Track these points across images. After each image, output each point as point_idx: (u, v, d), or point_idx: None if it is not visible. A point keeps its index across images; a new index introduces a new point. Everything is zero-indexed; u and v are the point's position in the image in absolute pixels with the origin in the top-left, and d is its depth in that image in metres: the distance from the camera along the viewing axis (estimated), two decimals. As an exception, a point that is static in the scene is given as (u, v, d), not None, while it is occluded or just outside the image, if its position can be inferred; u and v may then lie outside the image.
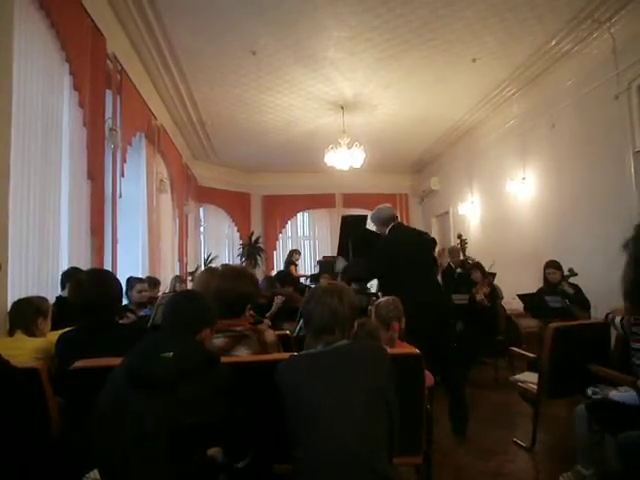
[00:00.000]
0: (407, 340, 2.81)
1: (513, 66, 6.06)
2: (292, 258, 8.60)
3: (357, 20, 4.93)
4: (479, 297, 5.21)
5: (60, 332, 2.25)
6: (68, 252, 3.72)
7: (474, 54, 5.68)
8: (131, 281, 4.33)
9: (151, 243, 5.97)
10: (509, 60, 5.88)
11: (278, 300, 3.92)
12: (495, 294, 5.45)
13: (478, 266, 5.59)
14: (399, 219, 3.86)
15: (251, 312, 2.84)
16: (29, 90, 3.21)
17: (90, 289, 2.19)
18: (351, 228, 7.55)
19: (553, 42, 5.43)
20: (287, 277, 4.91)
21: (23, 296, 2.70)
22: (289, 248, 10.82)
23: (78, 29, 3.84)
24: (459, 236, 6.39)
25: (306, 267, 10.89)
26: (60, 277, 3.44)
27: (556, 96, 6.02)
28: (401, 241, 3.74)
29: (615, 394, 2.56)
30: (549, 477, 2.89)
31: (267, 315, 3.92)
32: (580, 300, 4.44)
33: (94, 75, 4.11)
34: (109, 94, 4.60)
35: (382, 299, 2.95)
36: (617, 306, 3.78)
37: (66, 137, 3.77)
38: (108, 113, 4.53)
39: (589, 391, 2.70)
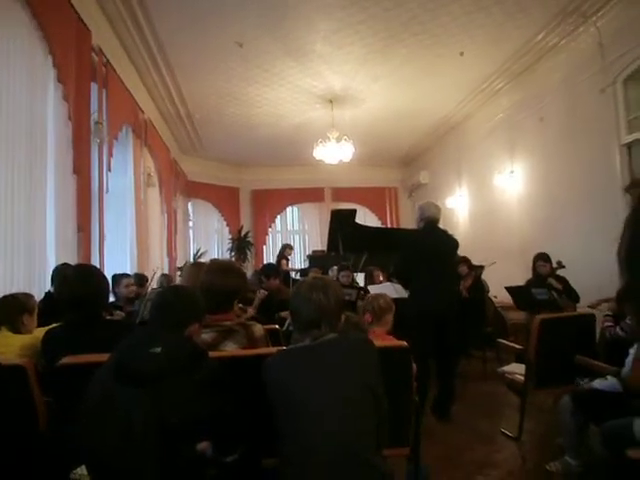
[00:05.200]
0: (405, 330, 2.88)
1: (501, 59, 6.08)
2: (284, 252, 8.58)
3: (344, 13, 4.91)
4: (460, 288, 5.23)
5: (47, 328, 2.23)
6: (55, 248, 3.69)
7: (462, 48, 5.68)
8: (116, 277, 4.29)
9: (139, 238, 5.92)
10: (497, 53, 5.91)
11: (260, 294, 3.91)
12: (480, 286, 5.49)
13: (465, 260, 5.62)
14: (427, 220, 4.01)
15: (240, 305, 2.84)
16: (11, 83, 3.16)
17: (76, 284, 2.18)
18: (341, 222, 7.58)
19: (540, 36, 5.46)
20: (273, 270, 4.88)
21: (9, 292, 2.66)
22: (279, 242, 10.81)
23: (62, 21, 3.78)
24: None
25: (296, 261, 10.88)
26: (51, 273, 3.40)
27: (544, 89, 6.06)
28: (427, 242, 3.90)
29: (598, 382, 2.61)
30: (536, 467, 2.93)
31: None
32: (569, 292, 4.50)
33: (79, 68, 4.05)
34: (95, 88, 4.53)
35: (370, 294, 3.00)
36: (601, 302, 3.88)
37: (51, 131, 3.72)
38: (94, 107, 4.47)
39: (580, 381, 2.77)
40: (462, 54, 5.80)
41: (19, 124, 3.23)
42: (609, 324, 3.09)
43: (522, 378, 3.24)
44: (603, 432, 2.29)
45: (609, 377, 2.61)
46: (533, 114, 6.27)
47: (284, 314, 3.79)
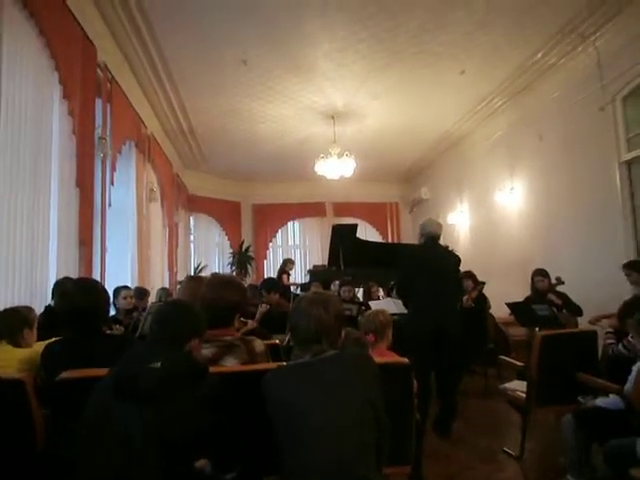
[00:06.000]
0: (407, 346, 2.86)
1: (500, 78, 6.15)
2: (285, 267, 8.59)
3: (347, 32, 4.99)
4: (465, 299, 5.20)
5: (46, 342, 2.22)
6: (56, 262, 3.69)
7: (461, 66, 5.76)
8: (116, 290, 4.32)
9: (141, 252, 5.93)
10: (496, 72, 5.98)
11: (262, 308, 3.90)
12: (483, 302, 5.47)
13: (470, 275, 5.61)
14: (427, 235, 4.00)
15: (241, 319, 2.83)
16: (18, 98, 3.19)
17: (76, 298, 2.17)
18: (342, 237, 7.59)
19: (539, 55, 5.53)
20: (273, 284, 4.88)
21: (10, 305, 2.66)
22: (279, 257, 10.82)
23: (68, 38, 3.84)
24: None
25: (297, 276, 10.87)
26: (52, 287, 3.40)
27: (543, 108, 6.11)
28: (425, 255, 3.92)
29: (601, 401, 2.58)
30: (538, 486, 2.89)
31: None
32: (569, 307, 4.48)
33: (84, 84, 4.10)
34: (99, 103, 4.59)
35: (369, 311, 2.98)
36: (601, 318, 3.87)
37: (55, 145, 3.76)
38: (98, 122, 4.52)
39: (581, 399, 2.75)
40: (462, 73, 5.88)
41: (24, 138, 3.26)
42: (611, 341, 3.08)
43: (524, 395, 3.22)
44: (605, 451, 2.26)
45: (612, 395, 2.59)
46: (532, 132, 6.32)
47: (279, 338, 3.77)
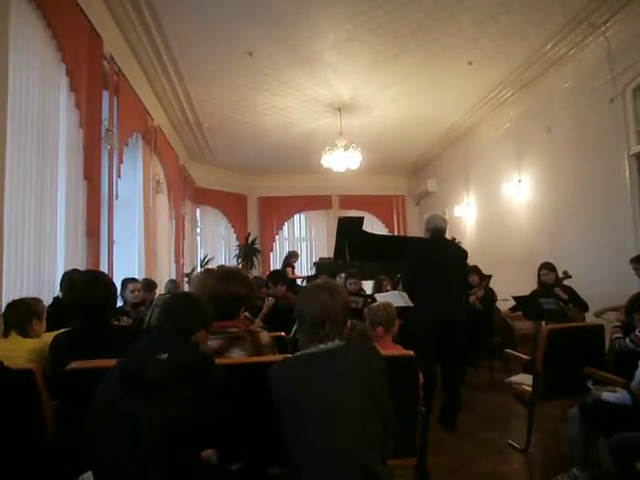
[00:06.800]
0: (412, 340, 2.86)
1: (509, 69, 6.09)
2: (290, 260, 8.60)
3: (354, 23, 4.95)
4: (472, 300, 5.18)
5: (55, 333, 2.24)
6: (64, 253, 3.72)
7: (470, 57, 5.70)
8: (124, 282, 4.33)
9: (147, 244, 5.96)
10: (505, 63, 5.91)
11: (269, 302, 3.91)
12: (490, 296, 5.45)
13: (475, 270, 5.58)
14: (436, 229, 3.99)
15: (246, 314, 2.84)
16: (25, 91, 3.21)
17: (84, 290, 2.19)
18: (348, 230, 7.58)
19: (549, 46, 5.46)
20: (280, 276, 4.89)
21: (18, 297, 2.68)
22: (286, 249, 10.83)
23: (75, 30, 3.84)
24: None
25: (302, 269, 10.89)
26: (60, 278, 3.43)
27: (552, 99, 6.04)
28: (431, 249, 3.93)
29: (608, 395, 2.57)
30: (543, 479, 2.89)
31: (258, 317, 3.89)
32: (576, 302, 4.45)
33: (91, 76, 4.11)
34: (106, 95, 4.60)
35: (375, 304, 2.97)
36: (606, 310, 3.85)
37: (63, 138, 3.77)
38: (105, 114, 4.53)
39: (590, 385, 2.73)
40: (471, 64, 5.82)
41: (32, 130, 3.27)
42: (618, 335, 3.06)
43: (529, 389, 3.21)
44: (611, 445, 2.26)
45: (619, 389, 2.58)
46: (541, 123, 6.25)
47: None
